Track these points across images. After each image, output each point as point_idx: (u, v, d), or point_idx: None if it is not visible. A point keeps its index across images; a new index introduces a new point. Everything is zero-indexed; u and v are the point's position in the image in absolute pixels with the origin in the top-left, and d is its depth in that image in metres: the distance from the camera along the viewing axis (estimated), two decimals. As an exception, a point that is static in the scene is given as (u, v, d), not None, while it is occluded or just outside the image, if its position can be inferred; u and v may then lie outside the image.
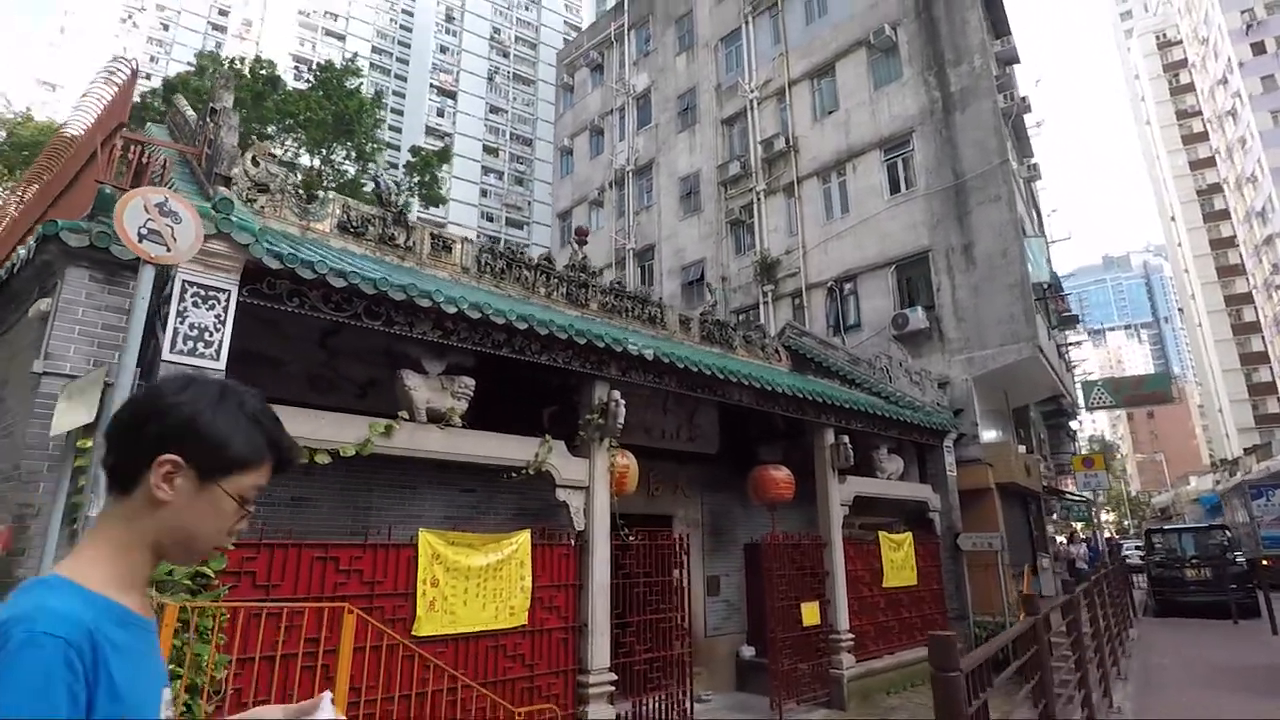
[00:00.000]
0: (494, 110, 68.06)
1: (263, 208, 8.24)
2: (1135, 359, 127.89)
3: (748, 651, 10.59)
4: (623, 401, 7.45)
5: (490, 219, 63.32)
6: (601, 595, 7.08)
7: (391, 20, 76.68)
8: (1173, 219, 75.42)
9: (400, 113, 70.53)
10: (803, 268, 18.51)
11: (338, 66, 35.08)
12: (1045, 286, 16.33)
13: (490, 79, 68.26)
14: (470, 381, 6.53)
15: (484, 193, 65.28)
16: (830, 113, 19.18)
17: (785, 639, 9.35)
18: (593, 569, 7.10)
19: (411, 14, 75.79)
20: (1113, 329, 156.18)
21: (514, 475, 6.76)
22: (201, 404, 1.09)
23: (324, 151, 33.64)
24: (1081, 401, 26.90)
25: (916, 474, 13.39)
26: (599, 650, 6.94)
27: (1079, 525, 34.50)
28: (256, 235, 4.96)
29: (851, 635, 9.97)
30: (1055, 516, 32.39)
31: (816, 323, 17.94)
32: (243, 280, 5.11)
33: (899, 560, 11.45)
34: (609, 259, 24.57)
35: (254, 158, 8.50)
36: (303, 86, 34.95)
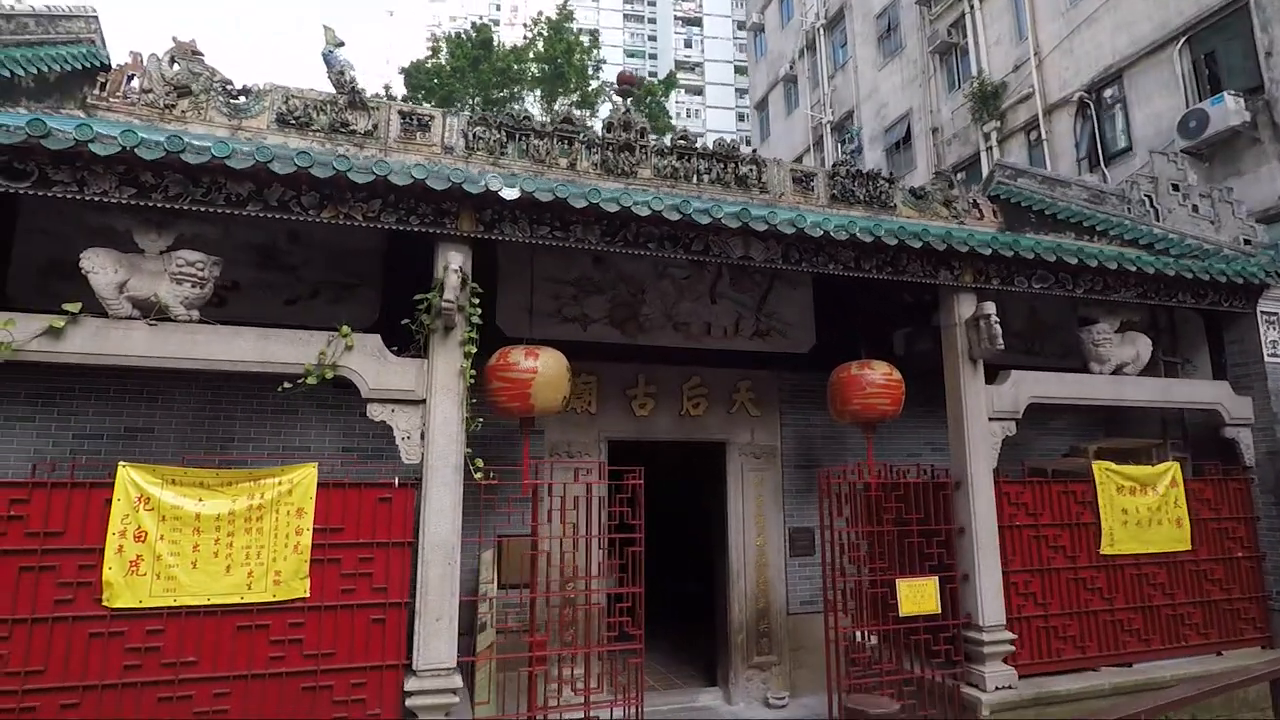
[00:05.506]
0: (743, 27, 63.47)
1: (184, 112, 7.22)
2: None
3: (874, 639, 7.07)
4: (465, 271, 4.82)
5: (750, 143, 59.81)
6: (440, 558, 4.69)
7: (642, -33, 75.81)
8: None
9: (655, 57, 69.96)
10: (1038, 83, 12.69)
11: (552, 18, 34.71)
12: None
13: (738, -6, 63.74)
14: (196, 257, 4.56)
15: (741, 117, 61.55)
16: None
17: (867, 634, 5.89)
18: (427, 521, 4.73)
19: (656, -49, 74.07)
20: None
21: (288, 386, 4.67)
22: None
23: (549, 104, 33.90)
24: None
25: (1208, 366, 7.99)
26: (433, 639, 4.60)
27: None
28: None
29: (1009, 635, 5.93)
30: None
31: (1063, 158, 12.21)
32: None
33: (1144, 510, 6.71)
34: (805, 142, 20.41)
35: (172, 57, 7.54)
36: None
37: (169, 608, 4.28)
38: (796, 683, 7.21)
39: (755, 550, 7.31)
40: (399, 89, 32.96)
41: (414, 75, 32.15)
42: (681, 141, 8.89)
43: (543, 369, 5.29)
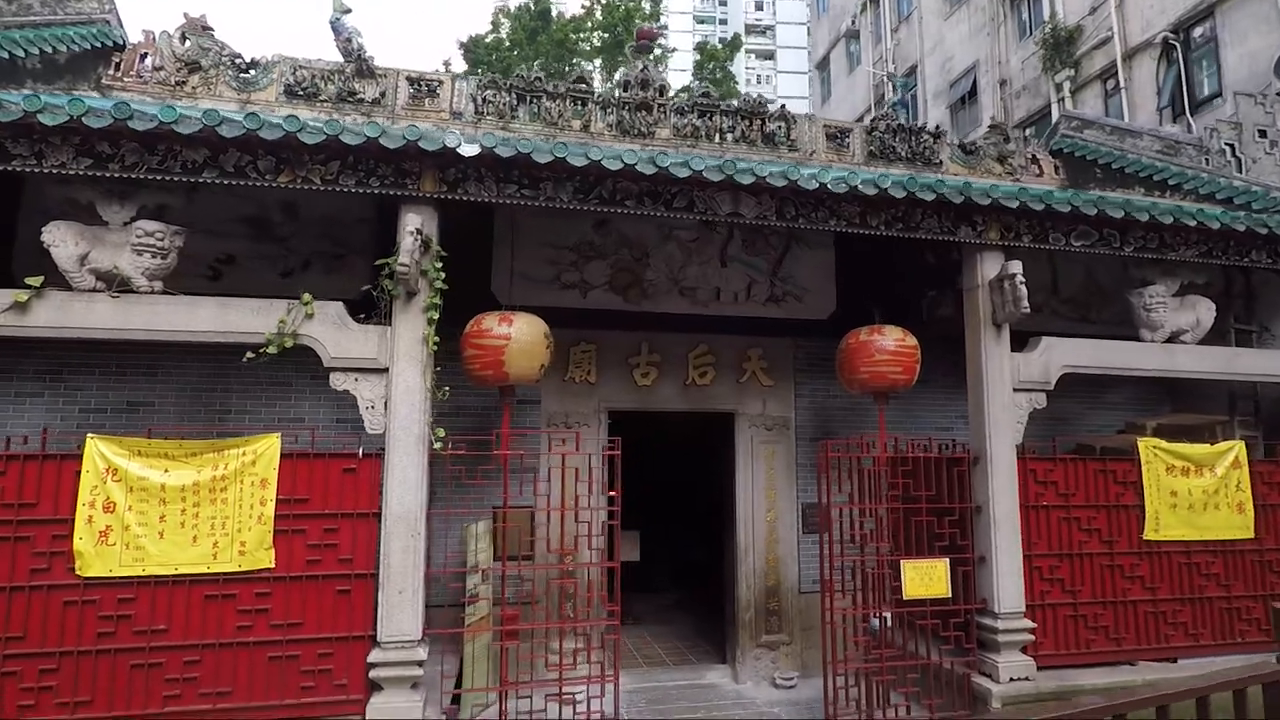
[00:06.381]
0: (814, -16, 60.83)
1: (194, 88, 7.31)
2: None
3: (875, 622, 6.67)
4: (427, 235, 4.66)
5: (812, 106, 57.38)
6: (403, 530, 4.61)
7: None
8: None
9: (725, 21, 67.87)
10: (1117, 25, 11.45)
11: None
12: None
13: (809, -51, 60.94)
14: (154, 227, 4.55)
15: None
16: None
17: (872, 616, 5.51)
18: (390, 491, 4.64)
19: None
20: None
21: (252, 357, 4.65)
22: None
23: (609, 73, 33.31)
24: None
25: (1289, 331, 7.06)
26: (396, 611, 4.54)
27: None
28: None
29: (1028, 623, 5.43)
30: None
31: (1143, 108, 11.02)
32: None
33: (1199, 493, 6.00)
34: (867, 102, 19.30)
35: (183, 34, 7.64)
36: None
37: (138, 577, 4.35)
38: (808, 663, 6.90)
39: (765, 526, 6.99)
40: (459, 66, 32.98)
41: (472, 50, 32.09)
42: (703, 99, 8.40)
43: (517, 335, 5.11)
